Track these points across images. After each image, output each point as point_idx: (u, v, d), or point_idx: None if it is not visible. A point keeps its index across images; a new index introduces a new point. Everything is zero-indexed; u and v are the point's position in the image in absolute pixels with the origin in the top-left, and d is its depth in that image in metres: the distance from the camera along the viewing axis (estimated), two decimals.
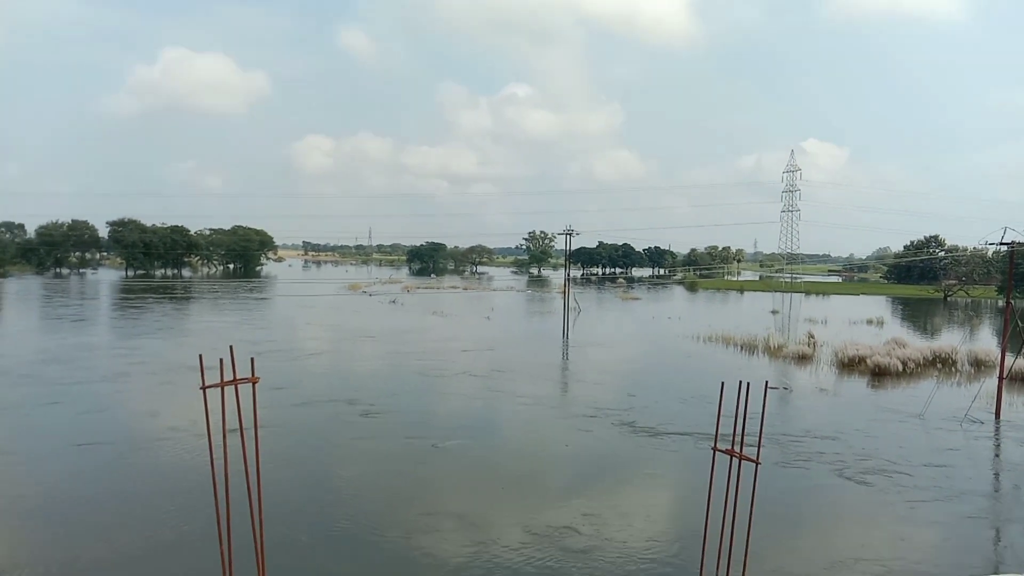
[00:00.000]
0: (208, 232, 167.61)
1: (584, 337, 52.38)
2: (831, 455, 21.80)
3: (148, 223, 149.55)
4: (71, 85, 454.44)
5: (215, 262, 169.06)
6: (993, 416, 27.50)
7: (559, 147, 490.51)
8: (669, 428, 24.55)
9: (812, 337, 47.86)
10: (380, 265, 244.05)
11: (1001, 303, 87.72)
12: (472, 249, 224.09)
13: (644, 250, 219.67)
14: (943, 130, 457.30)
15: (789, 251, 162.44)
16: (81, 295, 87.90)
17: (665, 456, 21.72)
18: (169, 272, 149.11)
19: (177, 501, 16.64)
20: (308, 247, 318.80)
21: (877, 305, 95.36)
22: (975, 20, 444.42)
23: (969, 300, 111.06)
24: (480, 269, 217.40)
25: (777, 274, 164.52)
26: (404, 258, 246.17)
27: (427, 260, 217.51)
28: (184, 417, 24.09)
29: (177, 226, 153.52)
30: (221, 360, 7.39)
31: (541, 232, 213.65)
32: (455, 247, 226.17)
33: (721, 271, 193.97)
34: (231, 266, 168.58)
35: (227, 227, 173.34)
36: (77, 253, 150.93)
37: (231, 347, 7.62)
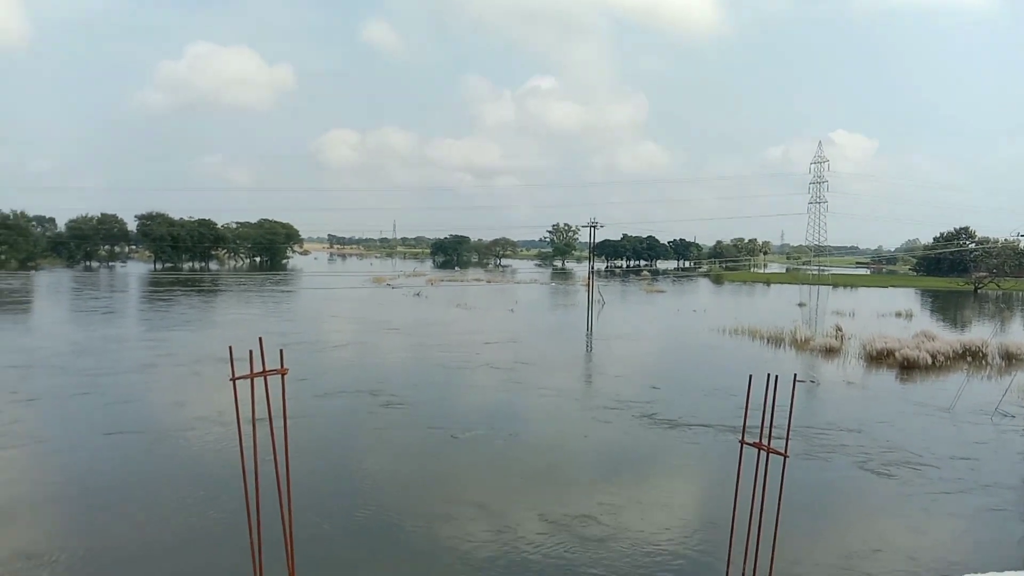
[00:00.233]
0: (235, 225, 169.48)
1: (608, 330, 52.25)
2: (856, 447, 21.56)
3: (176, 217, 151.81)
4: (100, 81, 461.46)
5: (242, 255, 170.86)
6: None
7: (583, 139, 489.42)
8: (691, 420, 24.40)
9: (839, 330, 47.30)
10: (404, 258, 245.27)
11: None
12: (496, 242, 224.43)
13: (669, 242, 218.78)
14: (974, 121, 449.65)
15: (816, 243, 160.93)
16: (110, 288, 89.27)
17: (687, 448, 21.60)
18: (197, 265, 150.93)
19: (204, 488, 16.88)
20: (333, 240, 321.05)
21: (906, 298, 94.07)
22: (1007, 9, 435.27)
23: (1000, 292, 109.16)
24: (504, 262, 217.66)
25: (804, 266, 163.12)
26: (428, 251, 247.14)
27: (451, 253, 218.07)
28: (211, 407, 24.36)
29: (204, 219, 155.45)
30: (251, 352, 7.44)
31: (565, 225, 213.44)
32: (479, 240, 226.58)
33: (747, 263, 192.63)
34: (258, 259, 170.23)
35: (254, 220, 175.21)
36: (106, 246, 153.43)
37: (260, 339, 7.66)
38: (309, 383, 28.63)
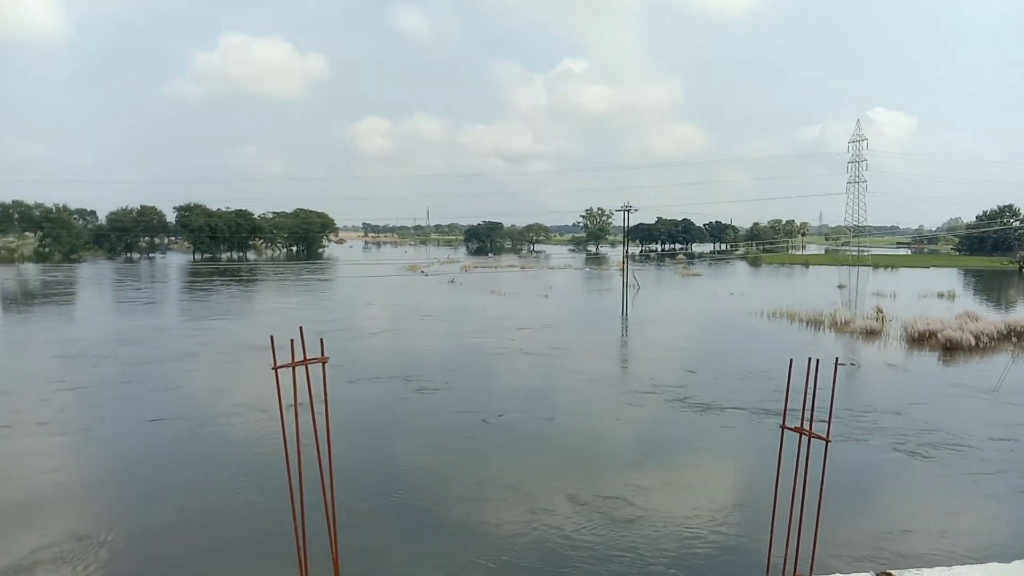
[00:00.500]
0: (271, 215, 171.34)
1: (643, 314, 51.95)
2: (894, 429, 21.26)
3: (213, 207, 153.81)
4: (136, 74, 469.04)
5: (278, 245, 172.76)
6: None
7: (616, 122, 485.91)
8: (727, 404, 24.20)
9: (880, 311, 46.45)
10: (438, 245, 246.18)
11: None
12: (529, 227, 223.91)
13: (705, 225, 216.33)
14: (1017, 96, 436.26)
15: (856, 223, 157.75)
16: (151, 279, 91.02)
17: (721, 432, 21.44)
18: (234, 255, 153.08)
19: (246, 472, 17.24)
20: (368, 229, 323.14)
21: (948, 278, 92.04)
22: None
23: None
24: (537, 247, 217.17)
25: (843, 247, 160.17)
26: (461, 238, 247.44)
27: (484, 239, 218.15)
28: (251, 394, 24.77)
29: (241, 210, 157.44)
30: (292, 341, 7.58)
31: (598, 209, 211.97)
32: (512, 226, 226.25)
33: (785, 245, 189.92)
34: (294, 248, 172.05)
35: (289, 210, 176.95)
36: (146, 238, 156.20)
37: (300, 328, 7.78)
38: (345, 369, 28.92)
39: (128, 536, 13.74)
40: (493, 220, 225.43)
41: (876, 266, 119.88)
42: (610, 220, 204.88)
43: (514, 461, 18.72)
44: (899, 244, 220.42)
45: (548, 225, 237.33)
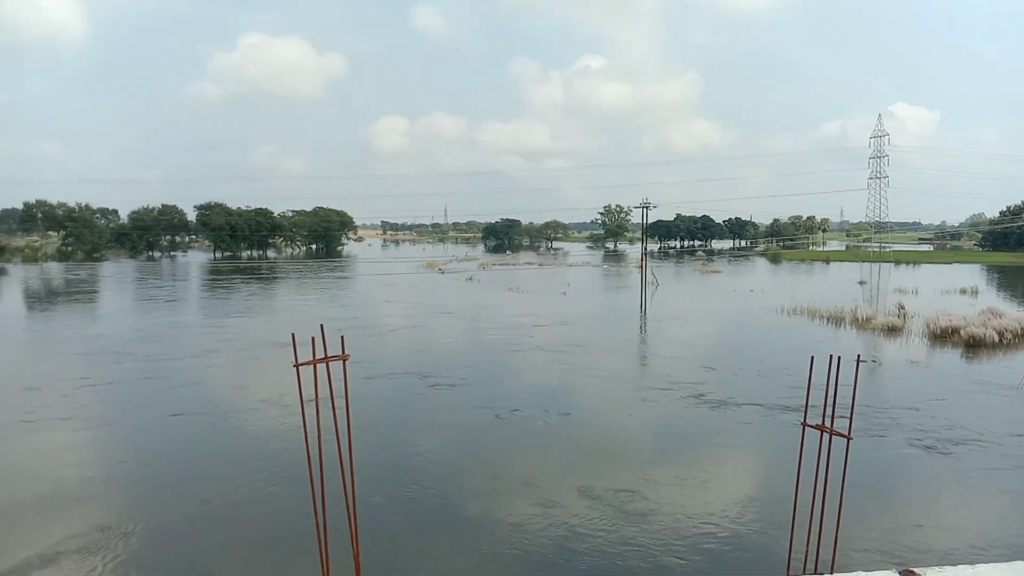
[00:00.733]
0: (291, 214, 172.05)
1: (662, 311, 51.75)
2: (913, 426, 21.08)
3: (233, 206, 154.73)
4: (157, 74, 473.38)
5: (298, 243, 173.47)
6: None
7: (634, 119, 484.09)
8: (745, 401, 24.08)
9: (902, 308, 45.96)
10: (456, 243, 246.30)
11: None
12: (547, 225, 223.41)
13: (724, 222, 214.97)
14: None
15: (877, 219, 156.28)
16: (172, 277, 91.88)
17: (739, 428, 21.35)
18: (255, 253, 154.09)
19: (266, 466, 17.43)
20: (386, 227, 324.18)
21: (971, 274, 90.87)
22: None
23: None
24: (555, 245, 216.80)
25: (865, 243, 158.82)
26: (480, 235, 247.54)
27: (502, 237, 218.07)
28: (271, 390, 24.96)
29: (261, 208, 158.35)
30: (313, 339, 7.69)
31: (617, 206, 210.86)
32: (530, 223, 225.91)
33: (806, 241, 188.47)
34: (313, 247, 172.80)
35: (309, 208, 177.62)
36: (167, 236, 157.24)
37: (321, 326, 7.87)
38: (363, 366, 29.03)
39: (150, 528, 13.93)
40: (511, 217, 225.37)
41: (898, 262, 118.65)
42: (628, 217, 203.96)
43: (529, 456, 18.76)
44: (921, 240, 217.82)
45: (566, 222, 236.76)
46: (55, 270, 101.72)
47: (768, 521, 14.22)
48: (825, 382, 8.30)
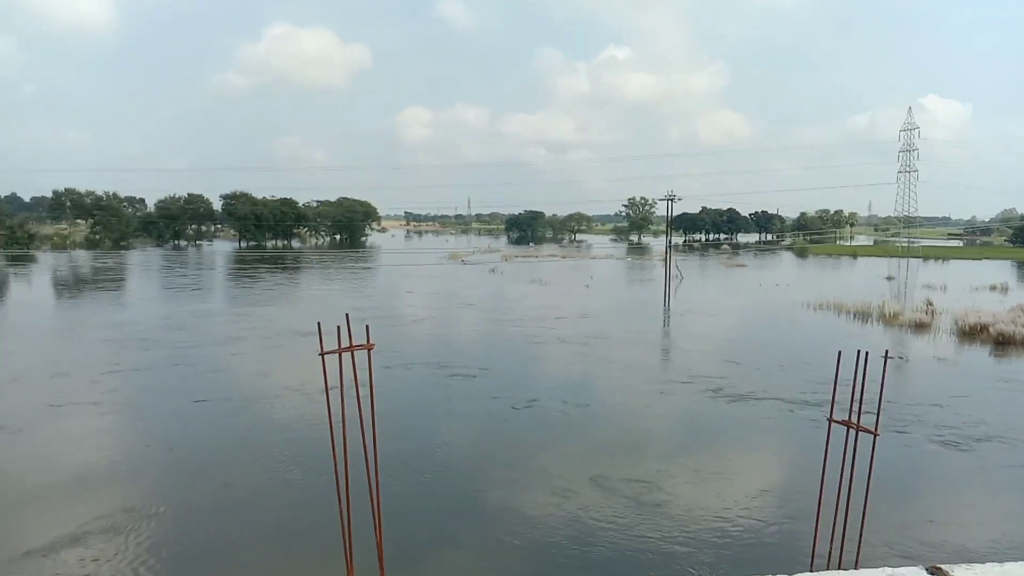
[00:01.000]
0: (315, 204, 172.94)
1: (685, 305, 51.42)
2: (938, 422, 20.81)
3: (259, 196, 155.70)
4: (183, 65, 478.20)
5: (322, 233, 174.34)
6: None
7: (660, 110, 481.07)
8: (767, 395, 23.88)
9: (930, 304, 45.30)
10: (479, 234, 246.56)
11: None
12: (571, 217, 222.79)
13: (750, 215, 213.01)
14: None
15: (906, 214, 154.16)
16: (198, 266, 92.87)
17: (761, 423, 21.21)
18: (280, 243, 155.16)
19: (288, 452, 17.67)
20: (410, 217, 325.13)
21: (1001, 270, 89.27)
22: None
23: None
24: (579, 237, 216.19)
25: (893, 238, 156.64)
26: (503, 227, 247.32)
27: (525, 229, 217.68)
28: (294, 378, 25.16)
29: (286, 198, 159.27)
30: (339, 327, 7.74)
31: (641, 198, 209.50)
32: (553, 215, 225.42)
33: (833, 236, 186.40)
34: (338, 237, 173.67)
35: (333, 199, 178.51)
36: (193, 226, 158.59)
37: (347, 316, 7.92)
38: (384, 355, 29.12)
39: (175, 510, 14.16)
40: (534, 209, 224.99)
41: (926, 258, 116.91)
42: (653, 209, 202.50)
43: (546, 446, 18.82)
44: (950, 235, 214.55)
45: (590, 214, 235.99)
46: (83, 258, 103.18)
47: (788, 516, 14.10)
48: (851, 377, 8.19)
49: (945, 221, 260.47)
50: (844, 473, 8.37)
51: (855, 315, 44.24)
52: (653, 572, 11.66)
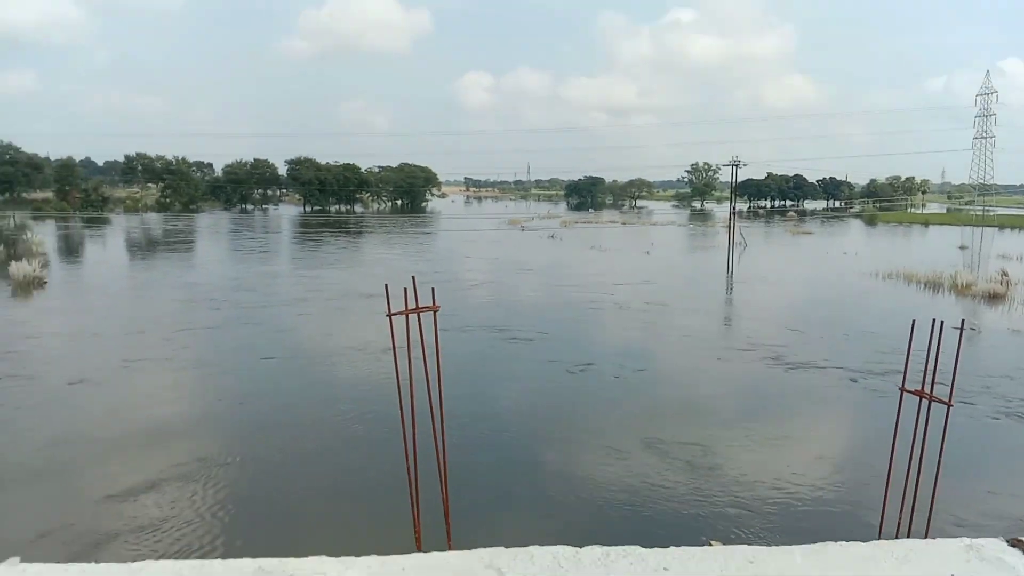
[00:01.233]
0: (377, 169, 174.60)
1: (749, 273, 50.52)
2: (1007, 394, 20.11)
3: (322, 161, 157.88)
4: (248, 31, 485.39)
5: (384, 198, 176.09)
6: None
7: (725, 74, 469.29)
8: (830, 364, 23.37)
9: (1005, 274, 43.50)
10: (538, 200, 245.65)
11: None
12: (631, 183, 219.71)
13: (818, 181, 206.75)
14: None
15: (981, 181, 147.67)
16: (264, 229, 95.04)
17: (824, 391, 20.82)
18: (342, 208, 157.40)
19: (352, 409, 18.10)
20: (469, 183, 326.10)
21: None
22: None
23: None
24: (640, 203, 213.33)
25: (967, 207, 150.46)
26: (562, 193, 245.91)
27: (585, 195, 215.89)
28: (357, 338, 25.72)
29: (349, 164, 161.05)
30: (405, 290, 7.95)
31: (704, 164, 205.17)
32: (614, 181, 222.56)
33: (904, 203, 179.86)
34: (398, 202, 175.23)
35: (394, 164, 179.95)
36: (259, 190, 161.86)
37: (413, 278, 8.11)
38: (442, 319, 29.38)
39: (244, 462, 14.79)
40: (595, 175, 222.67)
41: (1002, 227, 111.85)
42: (716, 175, 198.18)
43: (601, 408, 18.87)
44: None
45: (651, 180, 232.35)
46: (154, 220, 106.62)
47: (848, 485, 13.91)
48: (922, 347, 8.00)
49: (1022, 189, 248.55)
50: (916, 443, 8.21)
51: (925, 285, 42.81)
52: (713, 539, 11.63)
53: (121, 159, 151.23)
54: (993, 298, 38.20)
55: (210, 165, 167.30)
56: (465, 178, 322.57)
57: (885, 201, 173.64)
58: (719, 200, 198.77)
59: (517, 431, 17.06)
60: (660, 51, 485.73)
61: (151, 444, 15.61)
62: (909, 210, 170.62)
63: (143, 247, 68.65)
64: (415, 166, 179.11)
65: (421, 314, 8.28)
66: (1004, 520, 12.46)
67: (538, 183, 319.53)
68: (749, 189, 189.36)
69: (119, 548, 11.10)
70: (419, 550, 7.64)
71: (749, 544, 2.71)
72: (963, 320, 8.50)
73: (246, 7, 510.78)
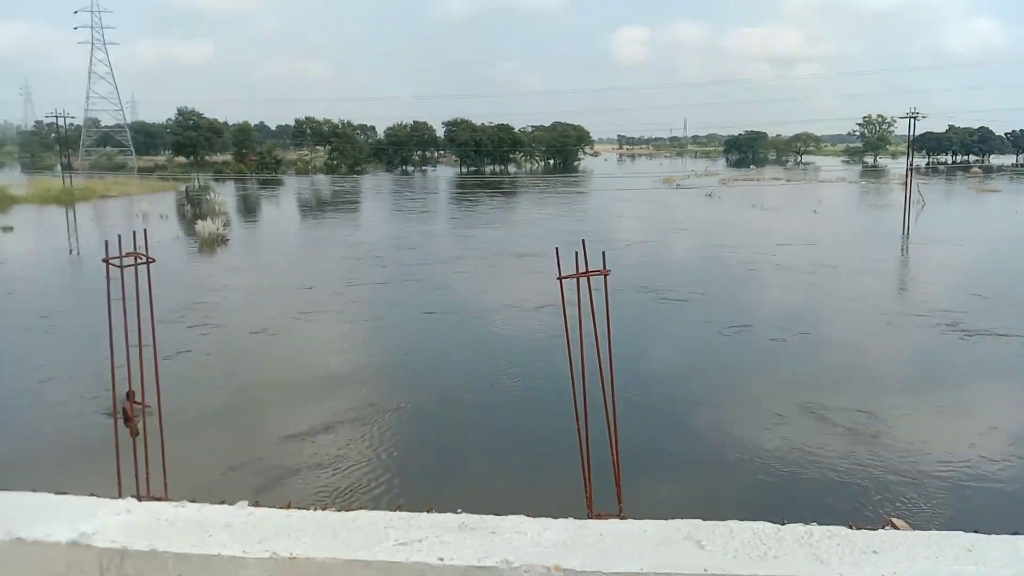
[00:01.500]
0: (530, 129, 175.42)
1: (927, 234, 46.84)
2: None
3: (477, 122, 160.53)
4: None
5: (537, 158, 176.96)
6: None
7: (901, 18, 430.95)
8: (1013, 332, 21.41)
9: None
10: (695, 157, 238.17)
11: None
12: (796, 137, 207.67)
13: (1006, 134, 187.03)
14: None
15: None
16: (424, 190, 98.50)
17: (1006, 362, 19.16)
18: (497, 168, 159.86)
19: (510, 363, 18.81)
20: (623, 140, 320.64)
21: None
22: None
23: None
24: (806, 159, 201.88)
25: None
26: (720, 149, 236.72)
27: (746, 150, 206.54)
28: (512, 296, 26.38)
29: (503, 124, 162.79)
30: (576, 253, 8.20)
31: (878, 116, 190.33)
32: (777, 135, 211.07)
33: None
34: (551, 162, 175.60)
35: (547, 124, 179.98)
36: (418, 152, 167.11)
37: (583, 241, 8.34)
38: (594, 279, 29.53)
39: (410, 408, 15.80)
40: (756, 130, 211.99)
41: None
42: (891, 129, 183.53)
43: (759, 371, 18.49)
44: None
45: (818, 135, 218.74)
46: (323, 182, 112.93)
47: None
48: None
49: None
50: None
51: None
52: (893, 515, 11.14)
53: (291, 123, 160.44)
54: None
55: (373, 128, 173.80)
56: (618, 136, 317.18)
57: None
58: (894, 155, 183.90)
59: (669, 391, 17.00)
60: None
61: (325, 389, 16.90)
62: None
63: (313, 207, 73.13)
64: (568, 125, 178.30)
65: (592, 277, 8.48)
66: None
67: (695, 139, 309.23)
68: (928, 143, 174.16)
69: (299, 484, 12.19)
70: (590, 512, 7.90)
71: (948, 528, 2.56)
72: None
73: None
